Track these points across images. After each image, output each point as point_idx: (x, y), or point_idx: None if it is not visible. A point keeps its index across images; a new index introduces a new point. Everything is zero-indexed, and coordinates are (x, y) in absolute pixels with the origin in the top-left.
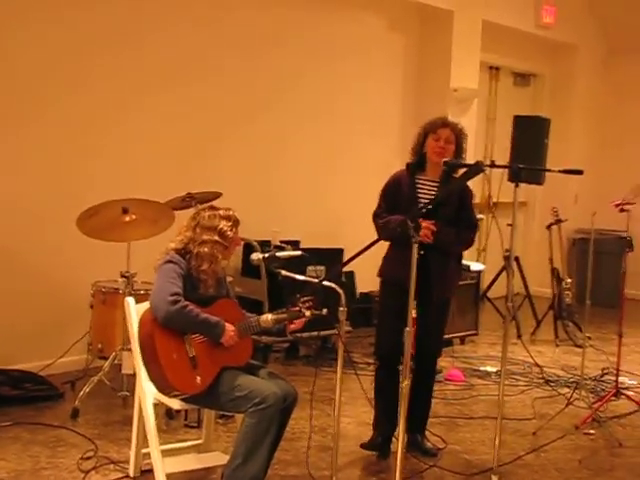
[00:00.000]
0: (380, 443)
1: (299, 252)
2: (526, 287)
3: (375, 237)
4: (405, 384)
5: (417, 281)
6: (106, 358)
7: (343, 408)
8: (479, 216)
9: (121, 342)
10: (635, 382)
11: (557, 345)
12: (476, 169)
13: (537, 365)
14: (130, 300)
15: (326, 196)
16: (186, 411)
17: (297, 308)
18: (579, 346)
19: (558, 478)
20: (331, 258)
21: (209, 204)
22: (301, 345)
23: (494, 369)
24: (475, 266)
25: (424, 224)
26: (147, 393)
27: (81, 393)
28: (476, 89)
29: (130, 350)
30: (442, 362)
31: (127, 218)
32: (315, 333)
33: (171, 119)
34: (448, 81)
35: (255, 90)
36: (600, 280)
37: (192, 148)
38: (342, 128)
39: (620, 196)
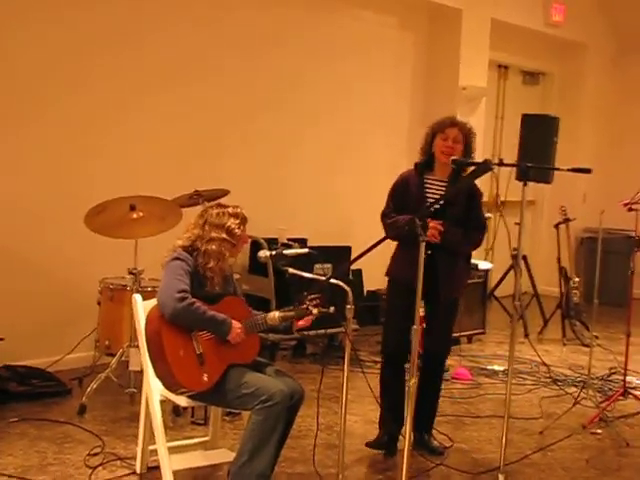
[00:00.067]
0: (386, 441)
1: (306, 250)
2: (534, 286)
3: (382, 235)
4: (412, 382)
5: (425, 281)
6: (113, 355)
7: (350, 406)
8: (487, 215)
9: (128, 339)
10: None
11: (564, 344)
12: (484, 167)
13: (544, 364)
14: (137, 297)
15: (334, 194)
16: (193, 408)
17: (304, 306)
18: (587, 345)
19: (565, 477)
20: (338, 256)
21: (217, 202)
22: (308, 343)
23: (501, 368)
24: (483, 265)
25: (431, 224)
26: (154, 390)
27: (88, 389)
28: (485, 87)
29: (137, 347)
30: (449, 361)
31: (135, 215)
32: (322, 331)
33: (171, 119)
34: (457, 79)
35: (261, 89)
36: (608, 279)
37: (192, 148)
38: (350, 126)
39: (629, 195)
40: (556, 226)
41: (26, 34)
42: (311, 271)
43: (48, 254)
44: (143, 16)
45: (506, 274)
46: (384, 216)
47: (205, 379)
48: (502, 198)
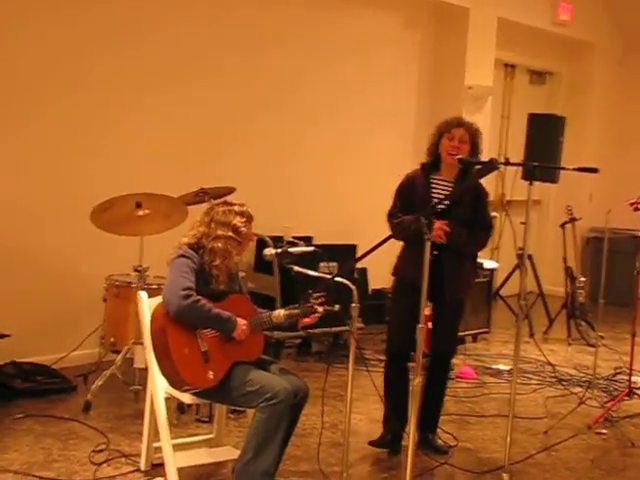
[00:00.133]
0: (389, 440)
1: (312, 248)
2: (539, 285)
3: (387, 233)
4: (417, 382)
5: (430, 281)
6: (118, 352)
7: (354, 405)
8: (492, 214)
9: (134, 336)
10: None
11: (570, 344)
12: (490, 166)
13: (549, 364)
14: (143, 294)
15: (339, 193)
16: (197, 405)
17: (309, 304)
18: (592, 345)
19: (569, 477)
20: (344, 254)
21: (223, 199)
22: (313, 341)
23: (506, 367)
24: (488, 264)
25: (437, 224)
26: (159, 387)
27: (93, 386)
28: (491, 87)
29: (142, 344)
30: (454, 360)
31: (140, 212)
32: (327, 329)
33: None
34: (463, 78)
35: (261, 89)
36: (614, 279)
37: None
38: (356, 125)
39: (635, 195)
40: (562, 226)
41: (26, 34)
42: (316, 269)
43: (52, 252)
44: (143, 16)
45: (512, 273)
46: (390, 216)
47: (210, 377)
48: (508, 197)
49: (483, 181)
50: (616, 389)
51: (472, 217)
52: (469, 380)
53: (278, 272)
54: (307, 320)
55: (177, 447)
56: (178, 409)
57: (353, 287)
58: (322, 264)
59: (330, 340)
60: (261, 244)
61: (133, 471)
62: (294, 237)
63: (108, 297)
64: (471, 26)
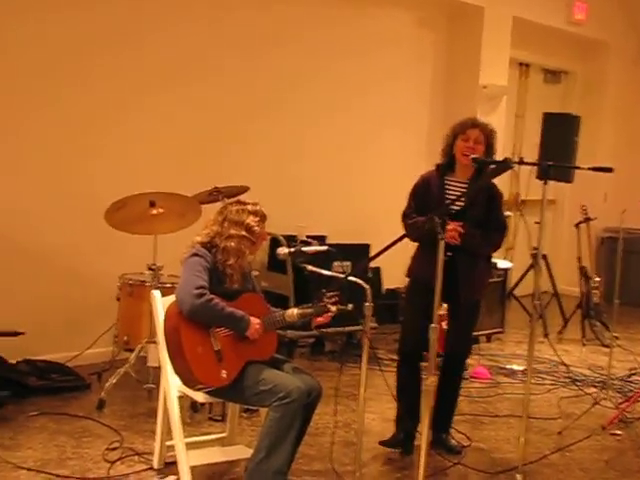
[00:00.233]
0: (401, 440)
1: (325, 247)
2: (554, 285)
3: (401, 233)
4: (430, 381)
5: (445, 283)
6: (132, 350)
7: (367, 404)
8: (506, 213)
9: (147, 335)
10: None
11: (584, 344)
12: (504, 166)
13: (564, 364)
14: (156, 293)
15: (353, 192)
16: (211, 404)
17: (323, 303)
18: (606, 346)
19: (583, 478)
20: (357, 254)
21: (236, 198)
22: (327, 340)
23: (520, 367)
24: (502, 264)
25: (452, 225)
26: (172, 386)
27: (107, 384)
28: (506, 86)
29: (156, 343)
30: (468, 360)
31: (154, 211)
32: (341, 329)
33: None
34: (477, 78)
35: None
36: (629, 279)
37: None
38: (370, 125)
39: None
40: (577, 225)
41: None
42: (330, 268)
43: (66, 251)
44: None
45: (526, 273)
46: (405, 217)
47: (223, 375)
48: (522, 197)
49: (497, 181)
50: (631, 390)
51: (486, 218)
52: (483, 380)
53: (292, 271)
54: (320, 319)
55: (190, 445)
56: (191, 408)
57: (366, 286)
58: (336, 263)
59: (343, 339)
60: (275, 243)
61: (146, 469)
62: (308, 236)
63: (122, 296)
64: (486, 25)
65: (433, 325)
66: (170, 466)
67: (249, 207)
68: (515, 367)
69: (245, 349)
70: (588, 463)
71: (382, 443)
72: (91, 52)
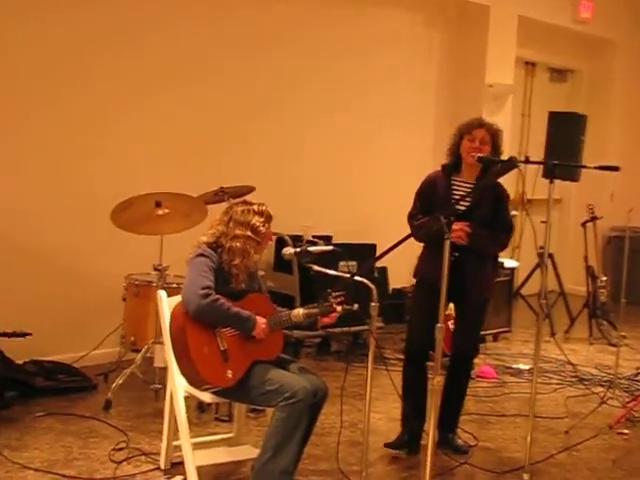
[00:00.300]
0: (407, 440)
1: (331, 247)
2: (560, 284)
3: (407, 232)
4: (436, 381)
5: (452, 283)
6: (138, 351)
7: (374, 404)
8: (512, 212)
9: (153, 335)
10: None
11: (591, 343)
12: (509, 165)
13: (570, 363)
14: (162, 293)
15: (359, 192)
16: (217, 404)
17: (328, 303)
18: (613, 345)
19: (591, 478)
20: (363, 254)
21: (242, 198)
22: (333, 340)
23: (527, 367)
24: (509, 263)
25: (457, 226)
26: (178, 386)
27: (114, 385)
28: (512, 85)
29: (162, 343)
30: (474, 359)
31: (160, 211)
32: (347, 329)
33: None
34: (483, 77)
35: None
36: (635, 278)
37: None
38: (375, 124)
39: None
40: (583, 224)
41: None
42: (336, 268)
43: (71, 252)
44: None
45: (532, 272)
46: (411, 217)
47: (229, 375)
48: (528, 196)
49: (503, 180)
50: (638, 389)
51: (492, 218)
52: (489, 379)
53: (297, 271)
54: (326, 319)
55: (197, 446)
56: (198, 408)
57: (372, 286)
58: (341, 263)
59: (349, 339)
60: (280, 243)
61: (153, 469)
62: (314, 236)
63: (128, 296)
64: (491, 24)
65: (439, 325)
66: (177, 466)
67: (255, 207)
68: (522, 366)
69: (251, 349)
70: (595, 462)
71: (387, 445)
72: (91, 52)
